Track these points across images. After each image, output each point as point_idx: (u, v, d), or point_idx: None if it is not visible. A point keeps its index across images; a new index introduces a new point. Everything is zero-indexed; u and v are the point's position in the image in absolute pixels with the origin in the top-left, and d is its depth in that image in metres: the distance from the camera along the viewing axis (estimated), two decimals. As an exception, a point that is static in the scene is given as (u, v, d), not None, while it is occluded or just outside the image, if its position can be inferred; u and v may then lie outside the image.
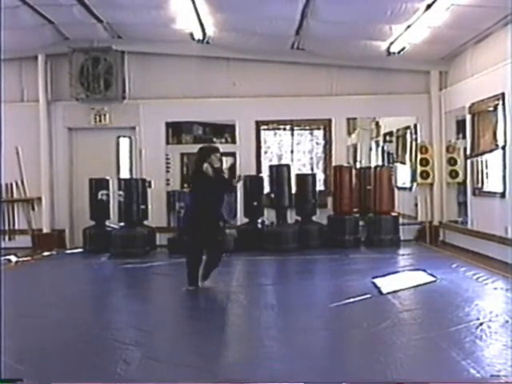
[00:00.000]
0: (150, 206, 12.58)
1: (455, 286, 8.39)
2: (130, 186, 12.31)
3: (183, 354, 5.67)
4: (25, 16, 10.46)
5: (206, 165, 8.15)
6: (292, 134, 13.93)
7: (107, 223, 12.56)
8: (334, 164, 13.11)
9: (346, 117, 13.65)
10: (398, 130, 15.11)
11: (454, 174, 12.62)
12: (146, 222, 12.48)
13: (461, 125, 12.41)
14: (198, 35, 11.54)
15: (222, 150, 8.57)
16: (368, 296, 7.77)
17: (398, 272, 9.81)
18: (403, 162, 14.58)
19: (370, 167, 14.12)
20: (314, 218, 12.57)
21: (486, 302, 7.54)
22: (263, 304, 7.83)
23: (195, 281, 8.28)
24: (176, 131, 14.25)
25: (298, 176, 12.80)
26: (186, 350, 5.84)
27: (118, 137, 13.15)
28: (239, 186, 11.71)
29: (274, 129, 13.90)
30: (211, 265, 8.34)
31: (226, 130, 14.37)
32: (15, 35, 11.00)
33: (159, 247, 12.54)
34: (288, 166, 12.66)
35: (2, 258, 11.19)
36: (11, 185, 13.04)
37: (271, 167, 12.74)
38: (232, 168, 10.04)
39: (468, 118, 11.62)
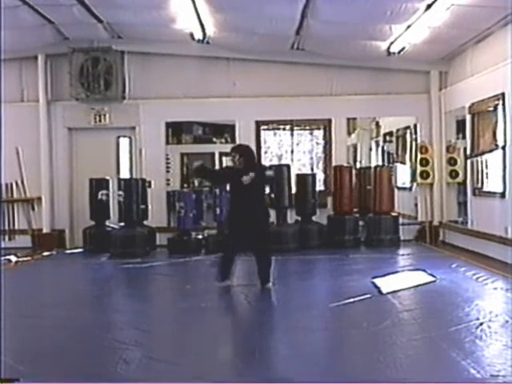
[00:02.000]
0: (150, 206, 12.57)
1: (455, 286, 8.39)
2: (130, 186, 12.30)
3: (183, 354, 5.67)
4: (25, 16, 10.45)
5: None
6: (292, 134, 13.92)
7: (107, 223, 12.57)
8: (334, 164, 13.10)
9: (346, 117, 13.65)
10: (397, 130, 15.11)
11: (453, 174, 12.61)
12: (145, 222, 12.47)
13: (461, 125, 12.41)
14: (198, 35, 11.54)
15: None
16: (368, 296, 7.77)
17: (397, 272, 9.82)
18: (403, 162, 14.58)
19: (370, 167, 14.12)
20: (313, 218, 12.58)
21: (486, 302, 7.54)
22: (263, 304, 7.84)
23: (227, 276, 8.44)
24: (176, 131, 14.28)
25: (298, 176, 12.80)
26: (186, 349, 5.83)
27: (118, 137, 13.15)
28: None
29: (273, 129, 13.89)
30: (267, 265, 8.44)
31: (225, 130, 14.39)
32: (15, 35, 11.02)
33: (159, 247, 12.53)
34: (288, 166, 12.66)
35: (2, 257, 11.19)
36: (11, 185, 13.04)
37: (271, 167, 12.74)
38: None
39: (468, 118, 11.62)
